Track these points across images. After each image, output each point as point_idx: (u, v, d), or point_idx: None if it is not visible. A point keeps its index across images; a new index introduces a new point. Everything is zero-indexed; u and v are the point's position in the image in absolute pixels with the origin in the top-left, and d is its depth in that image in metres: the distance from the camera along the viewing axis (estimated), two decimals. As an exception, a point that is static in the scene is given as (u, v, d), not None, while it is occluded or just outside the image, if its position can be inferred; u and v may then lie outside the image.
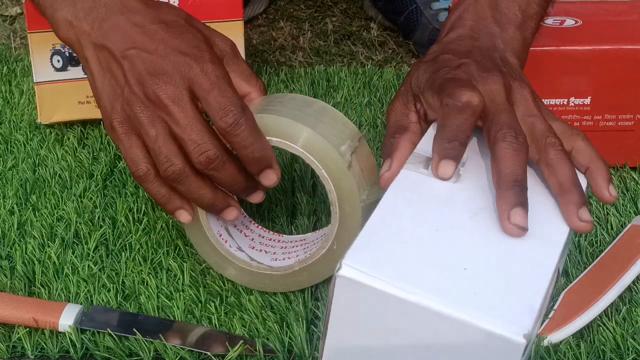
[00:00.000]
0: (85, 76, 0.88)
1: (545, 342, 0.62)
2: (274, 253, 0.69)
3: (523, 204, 0.56)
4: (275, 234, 0.72)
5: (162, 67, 0.62)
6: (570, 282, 0.67)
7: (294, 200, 0.78)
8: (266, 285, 0.67)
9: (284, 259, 0.68)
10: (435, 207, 0.56)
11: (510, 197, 0.56)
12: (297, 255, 0.67)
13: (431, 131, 0.63)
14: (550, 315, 0.64)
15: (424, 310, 0.50)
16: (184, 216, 0.65)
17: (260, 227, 0.72)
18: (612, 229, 0.75)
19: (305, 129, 0.62)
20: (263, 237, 0.71)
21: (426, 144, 0.62)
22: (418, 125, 0.65)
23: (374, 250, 0.53)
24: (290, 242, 0.71)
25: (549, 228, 0.57)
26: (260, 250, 0.69)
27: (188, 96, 0.61)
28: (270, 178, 0.63)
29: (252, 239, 0.70)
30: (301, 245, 0.69)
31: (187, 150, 0.61)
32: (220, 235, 0.67)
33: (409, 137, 0.63)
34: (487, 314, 0.50)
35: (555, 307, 0.65)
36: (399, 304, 0.51)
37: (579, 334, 0.63)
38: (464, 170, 0.60)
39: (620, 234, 0.72)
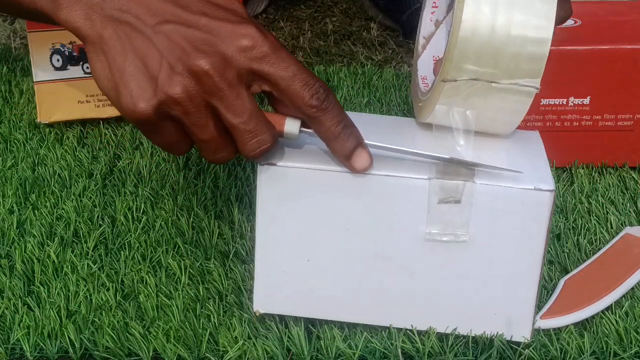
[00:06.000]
0: (85, 75, 0.89)
1: (545, 326, 0.63)
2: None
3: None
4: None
5: (212, 42, 0.52)
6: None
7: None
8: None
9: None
10: None
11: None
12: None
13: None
14: (552, 301, 0.65)
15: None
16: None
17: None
18: (611, 227, 0.75)
19: None
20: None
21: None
22: None
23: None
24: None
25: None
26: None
27: (245, 77, 0.53)
28: (363, 159, 0.56)
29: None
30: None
31: (239, 139, 0.54)
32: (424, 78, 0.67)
33: None
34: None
35: (556, 293, 0.66)
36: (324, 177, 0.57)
37: (582, 325, 0.64)
38: None
39: (614, 239, 0.72)
